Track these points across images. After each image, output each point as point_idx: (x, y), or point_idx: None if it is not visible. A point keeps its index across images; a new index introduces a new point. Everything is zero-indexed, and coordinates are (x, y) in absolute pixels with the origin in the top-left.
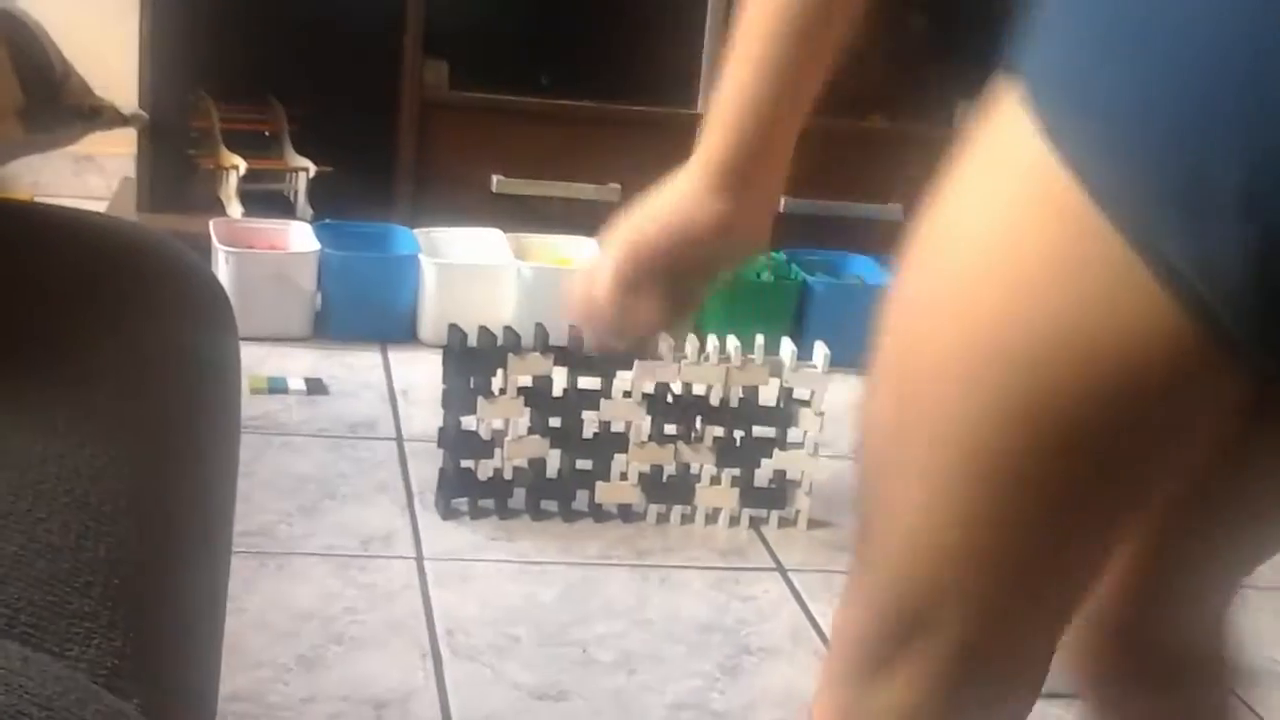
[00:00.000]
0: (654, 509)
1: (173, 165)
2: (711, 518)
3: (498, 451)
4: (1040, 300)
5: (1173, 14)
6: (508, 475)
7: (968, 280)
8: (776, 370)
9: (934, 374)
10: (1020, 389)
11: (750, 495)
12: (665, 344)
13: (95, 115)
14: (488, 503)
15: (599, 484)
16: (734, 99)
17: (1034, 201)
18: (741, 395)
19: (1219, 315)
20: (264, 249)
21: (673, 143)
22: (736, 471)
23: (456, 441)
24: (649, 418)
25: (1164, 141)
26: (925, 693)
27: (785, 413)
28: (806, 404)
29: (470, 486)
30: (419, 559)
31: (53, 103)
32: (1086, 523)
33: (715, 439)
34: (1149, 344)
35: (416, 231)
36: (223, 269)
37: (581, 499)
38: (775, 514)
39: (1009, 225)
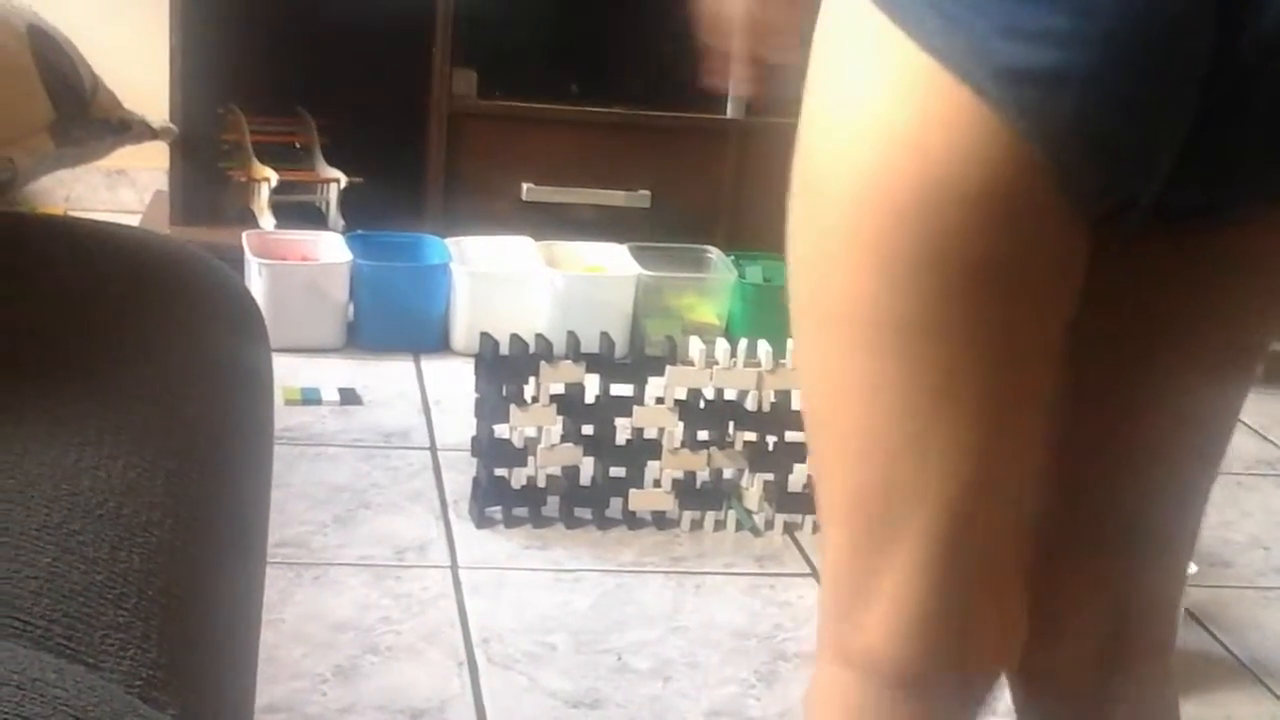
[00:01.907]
0: (688, 515)
1: (205, 178)
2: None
3: (531, 459)
4: (912, 155)
5: None
6: (541, 483)
7: (847, 153)
8: None
9: (839, 256)
10: (914, 237)
11: (784, 500)
12: (698, 349)
13: (125, 129)
14: (521, 511)
15: (632, 491)
16: None
17: (886, 68)
18: (774, 400)
19: (1053, 147)
20: (296, 260)
21: (703, 149)
22: (770, 476)
23: (490, 450)
24: (681, 424)
25: None
26: (910, 603)
27: None
28: None
29: (504, 495)
30: (454, 568)
31: (82, 117)
32: (1011, 375)
33: (747, 444)
34: (1006, 175)
35: (448, 241)
36: (255, 281)
37: (615, 506)
38: (809, 519)
39: (869, 94)
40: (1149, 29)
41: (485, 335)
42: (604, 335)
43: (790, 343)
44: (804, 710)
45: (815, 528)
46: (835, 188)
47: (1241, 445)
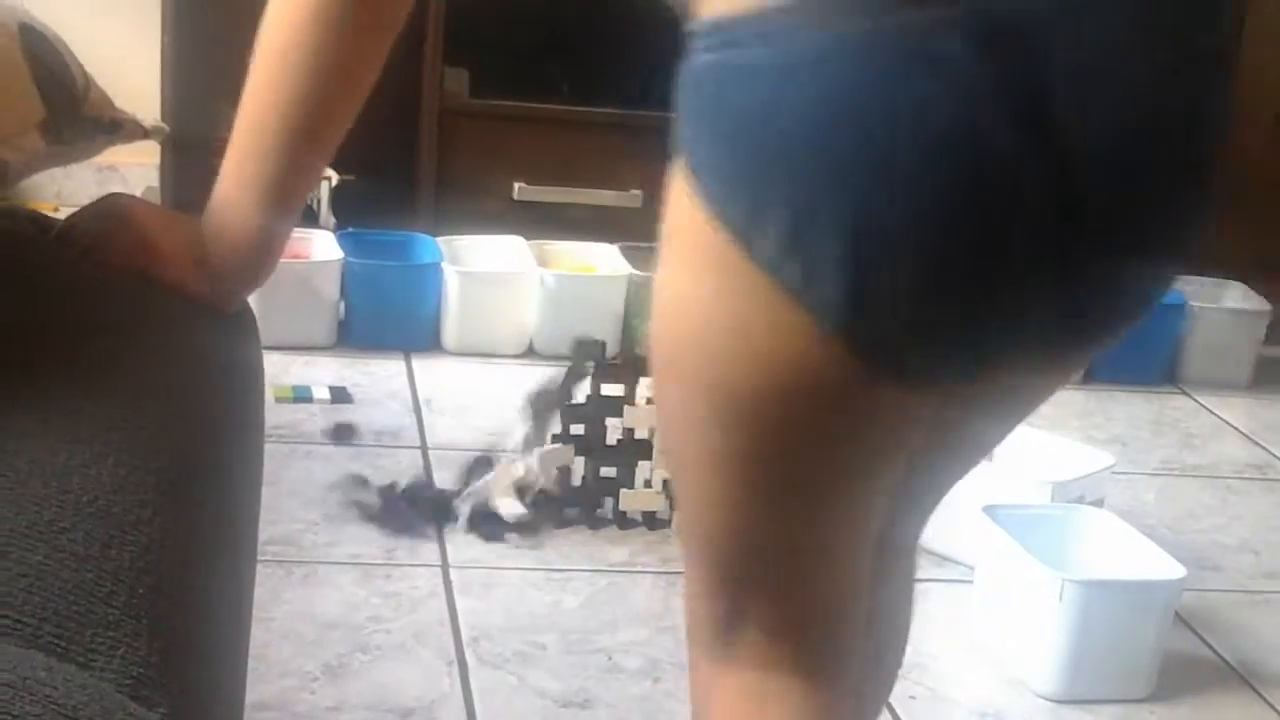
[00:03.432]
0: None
1: (196, 175)
2: None
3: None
4: (728, 338)
5: (754, 128)
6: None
7: (679, 337)
8: None
9: (680, 406)
10: (728, 400)
11: None
12: None
13: (116, 128)
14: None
15: (623, 491)
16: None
17: (709, 264)
18: None
19: (844, 330)
20: (287, 258)
21: None
22: None
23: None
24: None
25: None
26: (767, 663)
27: None
28: None
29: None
30: (444, 567)
31: (73, 115)
32: (820, 497)
33: None
34: (805, 355)
35: (439, 239)
36: None
37: (606, 506)
38: None
39: (699, 287)
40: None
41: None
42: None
43: None
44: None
45: None
46: (685, 369)
47: (1231, 450)
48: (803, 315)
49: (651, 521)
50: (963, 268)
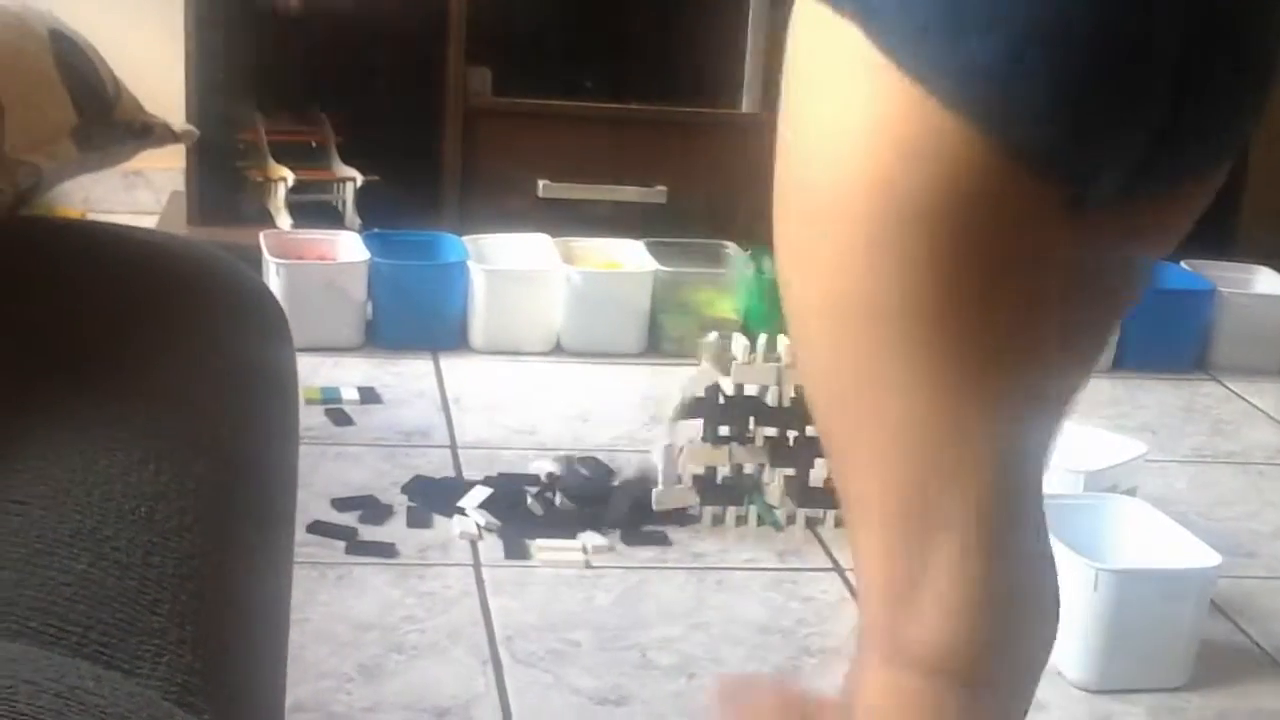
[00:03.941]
0: (709, 511)
1: (221, 178)
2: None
3: None
4: (883, 156)
5: None
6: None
7: (829, 158)
8: None
9: (851, 256)
10: (905, 232)
11: (805, 495)
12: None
13: (147, 133)
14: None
15: (655, 491)
16: None
17: (858, 76)
18: (794, 394)
19: (997, 128)
20: (314, 260)
21: (718, 143)
22: (791, 471)
23: None
24: (701, 420)
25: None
26: (962, 588)
27: None
28: None
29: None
30: (476, 566)
31: (105, 121)
32: (1017, 337)
33: (768, 439)
34: (972, 168)
35: (464, 239)
36: (273, 280)
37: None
38: (831, 513)
39: (840, 101)
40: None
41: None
42: None
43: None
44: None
45: (837, 522)
46: (821, 193)
47: (1262, 435)
48: (965, 123)
49: (682, 518)
50: (1111, 77)
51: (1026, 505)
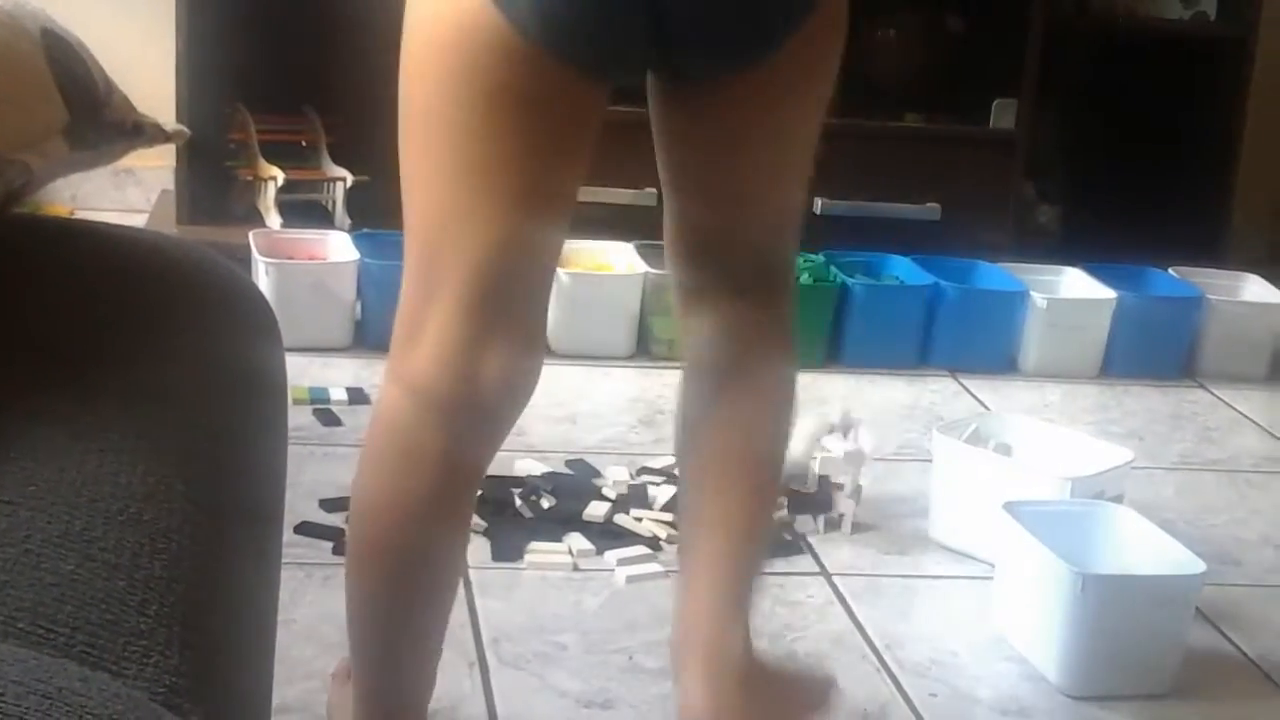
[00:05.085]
0: None
1: (211, 177)
2: None
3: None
4: (451, 26)
5: None
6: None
7: (422, 35)
8: None
9: (420, 88)
10: (459, 70)
11: (792, 501)
12: None
13: (138, 132)
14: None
15: (634, 511)
16: None
17: None
18: None
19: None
20: (303, 259)
21: None
22: None
23: None
24: None
25: None
26: (446, 337)
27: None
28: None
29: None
30: (464, 568)
31: (97, 120)
32: (533, 173)
33: None
34: (511, 47)
35: None
36: (263, 280)
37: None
38: (820, 518)
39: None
40: None
41: None
42: None
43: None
44: (369, 421)
45: (825, 527)
46: (416, 41)
47: (1249, 443)
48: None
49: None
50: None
51: (518, 291)
